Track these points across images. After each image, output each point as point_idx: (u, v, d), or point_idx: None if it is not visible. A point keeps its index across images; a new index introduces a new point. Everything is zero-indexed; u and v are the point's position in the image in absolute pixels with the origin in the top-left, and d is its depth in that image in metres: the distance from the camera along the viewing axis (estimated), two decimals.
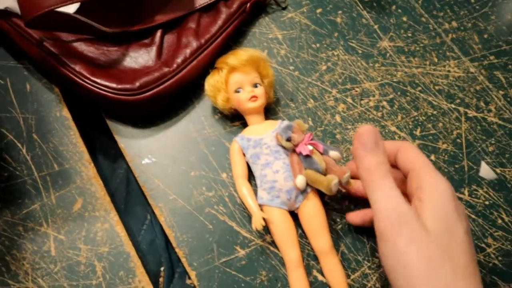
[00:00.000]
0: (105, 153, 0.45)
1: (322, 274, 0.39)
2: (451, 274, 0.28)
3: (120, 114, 0.45)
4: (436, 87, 0.49)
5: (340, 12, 0.53)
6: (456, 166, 0.45)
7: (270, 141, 0.41)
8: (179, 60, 0.44)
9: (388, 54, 0.50)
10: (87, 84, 0.42)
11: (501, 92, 0.49)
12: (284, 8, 0.52)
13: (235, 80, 0.42)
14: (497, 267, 0.41)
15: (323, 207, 0.40)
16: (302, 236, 0.40)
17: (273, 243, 0.40)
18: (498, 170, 0.45)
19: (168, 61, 0.44)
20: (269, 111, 0.46)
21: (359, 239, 0.41)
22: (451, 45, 0.52)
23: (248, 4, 0.48)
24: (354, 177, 0.39)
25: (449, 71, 0.50)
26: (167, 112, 0.45)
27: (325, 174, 0.38)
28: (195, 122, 0.45)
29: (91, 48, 0.44)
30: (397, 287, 0.29)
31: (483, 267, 0.41)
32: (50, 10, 0.37)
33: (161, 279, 0.40)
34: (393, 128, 0.46)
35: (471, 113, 0.48)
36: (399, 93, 0.48)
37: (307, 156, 0.38)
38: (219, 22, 0.46)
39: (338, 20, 0.52)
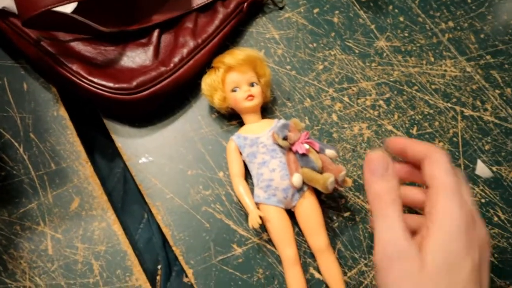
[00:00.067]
0: (102, 152, 0.45)
1: (319, 272, 0.39)
2: None
3: (117, 113, 0.45)
4: (433, 86, 0.49)
5: (337, 12, 0.53)
6: (453, 164, 0.45)
7: (266, 140, 0.41)
8: (176, 59, 0.44)
9: (384, 54, 0.51)
10: (84, 84, 0.42)
11: (497, 91, 0.50)
12: (281, 8, 0.52)
13: (232, 79, 0.42)
14: (493, 264, 0.41)
15: (320, 205, 0.40)
16: (299, 234, 0.41)
17: (269, 241, 0.40)
18: (494, 169, 0.45)
19: (165, 61, 0.44)
20: (266, 110, 0.46)
21: (355, 236, 0.41)
22: (448, 45, 0.52)
23: (245, 4, 0.48)
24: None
25: (445, 70, 0.50)
26: (164, 112, 0.45)
27: (321, 173, 0.38)
28: (192, 121, 0.45)
29: (88, 48, 0.44)
30: None
31: None
32: (47, 9, 0.37)
33: (158, 278, 0.40)
34: (389, 127, 0.47)
35: (468, 112, 0.48)
36: (395, 92, 0.49)
37: (304, 154, 0.38)
38: (216, 21, 0.47)
39: (335, 20, 0.52)
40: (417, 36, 0.52)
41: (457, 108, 0.48)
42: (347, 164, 0.44)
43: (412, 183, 0.37)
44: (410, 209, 0.40)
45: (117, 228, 0.40)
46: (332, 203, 0.42)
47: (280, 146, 0.40)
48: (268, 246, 0.40)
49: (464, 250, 0.27)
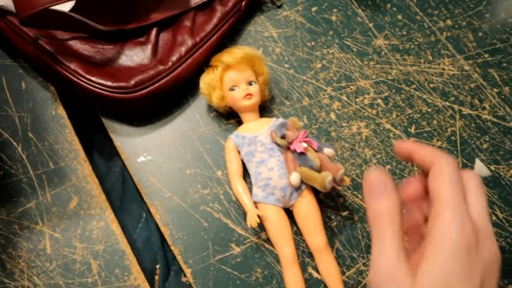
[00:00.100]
0: (101, 151, 0.45)
1: (317, 271, 0.39)
2: None
3: (116, 112, 0.45)
4: (431, 85, 0.49)
5: (335, 10, 0.53)
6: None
7: (264, 138, 0.41)
8: (174, 58, 0.44)
9: (383, 52, 0.51)
10: (82, 82, 0.42)
11: (495, 89, 0.50)
12: (279, 7, 0.52)
13: (230, 78, 0.42)
14: None
15: (318, 204, 0.40)
16: (297, 233, 0.41)
17: (268, 240, 0.40)
18: (492, 167, 0.45)
19: (163, 59, 0.44)
20: (264, 109, 0.46)
21: (354, 236, 0.41)
22: (446, 43, 0.52)
23: (243, 3, 0.48)
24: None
25: (443, 69, 0.50)
26: (162, 110, 0.45)
27: (319, 171, 0.38)
28: (190, 120, 0.45)
29: (86, 46, 0.44)
30: None
31: None
32: (45, 8, 0.37)
33: (156, 277, 0.40)
34: (388, 126, 0.47)
35: (466, 110, 0.48)
36: (393, 91, 0.49)
37: (302, 153, 0.38)
38: (214, 20, 0.47)
39: (333, 18, 0.52)
40: (415, 34, 0.52)
41: (455, 106, 0.48)
42: (346, 163, 0.44)
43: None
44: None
45: (116, 227, 0.40)
46: (330, 202, 0.42)
47: (278, 145, 0.40)
48: (267, 245, 0.40)
49: (462, 274, 0.25)
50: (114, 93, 0.42)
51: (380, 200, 0.28)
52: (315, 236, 0.39)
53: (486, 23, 0.54)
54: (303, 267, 0.39)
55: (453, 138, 0.47)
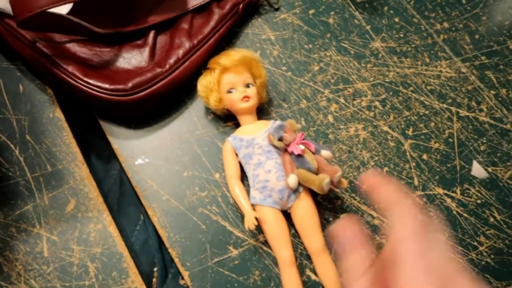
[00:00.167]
0: (98, 154, 0.45)
1: (315, 274, 0.39)
2: None
3: (113, 114, 0.45)
4: (428, 87, 0.49)
5: (332, 13, 0.53)
6: (448, 165, 0.45)
7: (262, 141, 0.41)
8: (171, 60, 0.44)
9: (380, 55, 0.51)
10: (79, 85, 0.42)
11: (492, 92, 0.50)
12: (276, 9, 0.52)
13: (228, 80, 0.42)
14: (490, 265, 0.41)
15: (316, 207, 0.40)
16: (295, 235, 0.41)
17: (266, 242, 0.40)
18: (489, 169, 0.45)
19: (161, 62, 0.44)
20: (262, 112, 0.46)
21: None
22: (443, 46, 0.52)
23: (241, 5, 0.48)
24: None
25: (441, 71, 0.51)
26: (160, 113, 0.45)
27: (317, 174, 0.38)
28: (188, 123, 0.45)
29: (84, 49, 0.44)
30: None
31: (475, 265, 0.41)
32: (42, 10, 0.37)
33: (154, 280, 0.40)
34: (385, 128, 0.47)
35: (463, 112, 0.48)
36: (391, 93, 0.49)
37: (299, 155, 0.38)
38: (212, 23, 0.47)
39: (331, 21, 0.52)
40: (412, 37, 0.52)
41: (453, 109, 0.48)
42: (343, 165, 0.44)
43: None
44: None
45: (113, 230, 0.40)
46: (328, 204, 0.42)
47: (276, 147, 0.40)
48: (264, 248, 0.40)
49: None
50: (111, 95, 0.42)
51: (350, 254, 0.27)
52: (313, 238, 0.39)
53: (483, 26, 0.54)
54: (301, 269, 0.39)
55: (450, 140, 0.47)
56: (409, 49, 0.52)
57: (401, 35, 0.52)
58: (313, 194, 0.40)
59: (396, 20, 0.53)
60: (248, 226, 0.38)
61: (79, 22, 0.41)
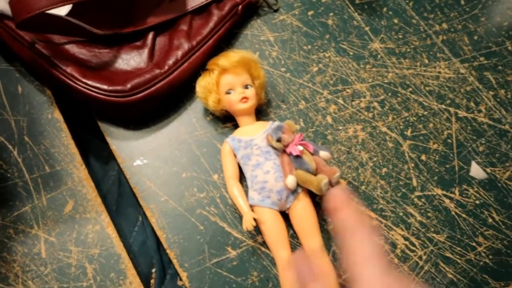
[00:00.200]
0: (97, 155, 0.45)
1: None
2: None
3: (112, 116, 0.45)
4: (427, 88, 0.49)
5: (331, 14, 0.53)
6: (447, 166, 0.45)
7: (260, 142, 0.41)
8: (170, 62, 0.44)
9: (379, 56, 0.51)
10: (78, 86, 0.42)
11: (491, 92, 0.50)
12: (275, 11, 0.52)
13: (226, 81, 0.42)
14: (488, 266, 0.41)
15: (314, 207, 0.40)
16: (293, 236, 0.40)
17: (264, 243, 0.40)
18: (488, 170, 0.45)
19: (160, 63, 0.44)
20: (261, 113, 0.46)
21: None
22: (442, 47, 0.52)
23: (240, 6, 0.48)
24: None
25: (439, 72, 0.51)
26: (158, 114, 0.45)
27: (315, 174, 0.38)
28: (186, 124, 0.45)
29: (83, 50, 0.44)
30: None
31: (474, 266, 0.41)
32: (41, 12, 0.37)
33: (152, 281, 0.40)
34: (384, 129, 0.47)
35: (462, 113, 0.48)
36: (390, 94, 0.49)
37: (298, 156, 0.38)
38: (211, 24, 0.47)
39: (330, 22, 0.52)
40: (411, 38, 0.52)
41: (451, 109, 0.48)
42: (342, 166, 0.44)
43: None
44: None
45: (111, 231, 0.40)
46: None
47: (274, 148, 0.40)
48: (263, 249, 0.40)
49: None
50: (110, 96, 0.42)
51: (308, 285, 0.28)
52: (311, 239, 0.39)
53: (482, 27, 0.54)
54: None
55: (449, 140, 0.47)
56: (408, 50, 0.52)
57: (400, 36, 0.52)
58: (311, 195, 0.40)
59: (395, 21, 0.53)
60: (247, 227, 0.38)
61: (78, 23, 0.42)
